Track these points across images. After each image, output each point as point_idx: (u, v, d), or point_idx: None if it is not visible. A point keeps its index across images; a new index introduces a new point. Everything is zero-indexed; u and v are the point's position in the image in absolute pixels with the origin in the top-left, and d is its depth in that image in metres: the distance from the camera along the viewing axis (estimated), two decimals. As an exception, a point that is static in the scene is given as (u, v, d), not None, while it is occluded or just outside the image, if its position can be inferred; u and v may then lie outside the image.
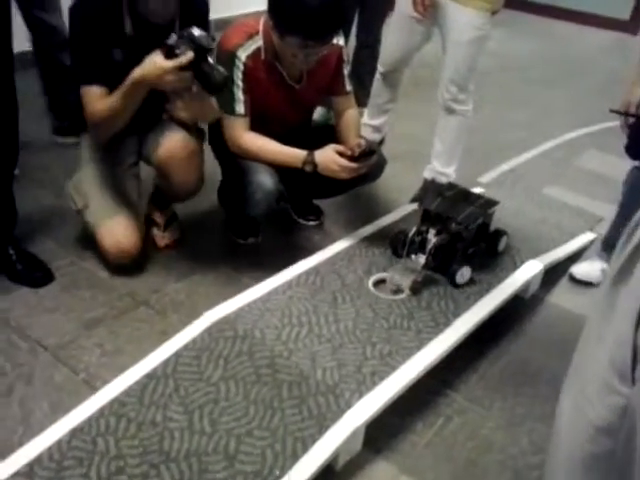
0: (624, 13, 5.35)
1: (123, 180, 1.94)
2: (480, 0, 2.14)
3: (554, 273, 2.08)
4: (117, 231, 1.85)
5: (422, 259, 1.79)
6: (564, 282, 2.11)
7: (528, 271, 1.93)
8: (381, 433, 1.46)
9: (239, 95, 1.79)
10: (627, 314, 0.69)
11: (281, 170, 1.88)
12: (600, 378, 0.73)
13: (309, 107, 2.10)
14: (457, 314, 1.69)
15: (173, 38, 1.58)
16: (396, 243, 1.91)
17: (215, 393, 1.40)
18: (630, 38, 5.14)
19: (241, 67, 1.78)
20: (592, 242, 2.27)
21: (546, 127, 3.35)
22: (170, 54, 1.57)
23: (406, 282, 1.76)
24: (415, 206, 2.13)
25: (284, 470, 1.24)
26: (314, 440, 1.30)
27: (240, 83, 1.79)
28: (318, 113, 2.41)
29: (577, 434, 0.77)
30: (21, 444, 1.30)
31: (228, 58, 1.78)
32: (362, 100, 2.80)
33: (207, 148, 2.02)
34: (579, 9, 5.50)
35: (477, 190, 2.48)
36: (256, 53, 1.80)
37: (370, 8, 2.92)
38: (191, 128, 1.91)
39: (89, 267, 1.93)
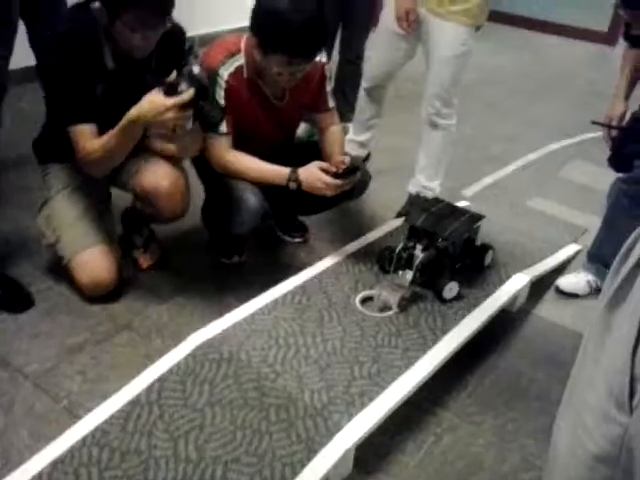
0: (602, 25, 5.44)
1: (95, 208, 1.88)
2: (464, 16, 2.16)
3: (540, 286, 2.08)
4: (92, 264, 1.79)
5: (409, 275, 1.78)
6: (550, 295, 2.11)
7: (515, 284, 1.93)
8: (371, 454, 1.44)
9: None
10: (623, 339, 0.68)
11: (265, 187, 1.87)
12: (597, 407, 0.71)
13: (292, 124, 2.09)
14: (445, 330, 1.68)
15: (173, 75, 1.58)
16: (383, 259, 1.90)
17: (200, 419, 1.37)
18: (609, 50, 5.22)
19: (223, 85, 1.77)
20: (577, 254, 2.28)
21: (529, 139, 3.38)
22: (171, 91, 1.56)
23: (394, 299, 1.74)
24: (400, 221, 2.12)
25: (273, 497, 1.21)
26: (303, 465, 1.27)
27: (222, 101, 1.77)
28: (301, 129, 2.40)
29: (575, 462, 0.75)
30: (1, 477, 1.26)
31: (210, 76, 1.77)
32: (346, 115, 2.80)
33: (189, 166, 2.00)
34: (559, 22, 5.58)
35: (462, 204, 2.48)
36: (238, 71, 1.79)
37: (353, 24, 2.94)
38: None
39: (69, 291, 1.88)
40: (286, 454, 1.29)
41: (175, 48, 1.77)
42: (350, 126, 2.82)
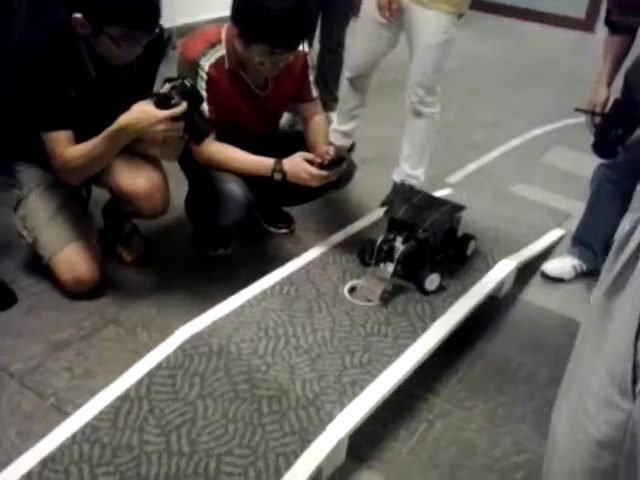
0: (580, 12, 5.48)
1: (70, 204, 1.85)
2: (446, 4, 2.15)
3: (526, 271, 2.10)
4: (72, 261, 1.76)
5: (390, 268, 1.76)
6: (536, 280, 2.13)
7: (501, 271, 1.94)
8: (364, 442, 1.44)
9: (203, 105, 1.75)
10: (625, 325, 0.68)
11: (249, 178, 1.85)
12: (600, 393, 0.71)
13: (275, 115, 2.08)
14: (434, 318, 1.68)
15: (166, 87, 1.56)
16: (364, 252, 1.87)
17: (192, 412, 1.36)
18: (588, 36, 5.26)
19: (204, 77, 1.75)
20: (561, 239, 2.30)
21: (511, 125, 3.39)
22: (163, 103, 1.53)
23: (376, 291, 1.73)
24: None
25: (267, 489, 1.21)
26: (297, 455, 1.27)
27: (204, 93, 1.75)
28: (283, 119, 2.38)
29: (577, 449, 0.75)
30: (-11, 477, 1.24)
31: (191, 68, 1.75)
32: (329, 105, 2.79)
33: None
34: (539, 9, 5.61)
35: (446, 191, 2.49)
36: (219, 62, 1.77)
37: (332, 13, 2.91)
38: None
39: (52, 287, 1.85)
40: (279, 445, 1.29)
41: (155, 45, 1.74)
42: (333, 116, 2.81)
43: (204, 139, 1.68)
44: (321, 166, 1.75)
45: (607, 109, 1.79)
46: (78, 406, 1.39)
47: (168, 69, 1.94)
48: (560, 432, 0.81)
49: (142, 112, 1.53)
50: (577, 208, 2.22)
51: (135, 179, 1.74)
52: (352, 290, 1.79)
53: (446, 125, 2.75)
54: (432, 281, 1.78)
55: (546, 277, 2.12)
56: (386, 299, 1.74)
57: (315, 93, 2.01)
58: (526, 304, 2.01)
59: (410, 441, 1.48)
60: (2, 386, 1.52)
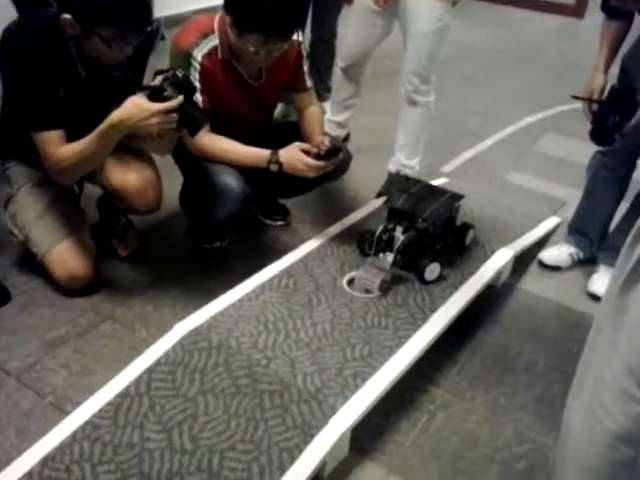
0: (569, -2, 5.49)
1: (61, 200, 1.82)
2: (439, -9, 2.12)
3: (523, 260, 2.09)
4: (65, 258, 1.74)
5: (390, 257, 1.76)
6: (534, 268, 2.13)
7: (499, 260, 1.94)
8: (366, 435, 1.44)
9: (197, 96, 1.72)
10: None
11: (245, 170, 1.83)
12: (616, 385, 0.71)
13: (269, 105, 2.05)
14: (434, 308, 1.68)
15: (158, 80, 1.52)
16: (363, 242, 1.86)
17: (193, 408, 1.34)
18: (578, 22, 5.26)
19: (198, 67, 1.72)
20: (557, 226, 2.30)
21: (505, 113, 3.39)
22: (156, 96, 1.50)
23: (375, 282, 1.72)
24: (382, 201, 2.10)
25: (271, 484, 1.20)
26: (300, 450, 1.26)
27: (197, 84, 1.72)
28: (277, 110, 2.36)
29: (593, 442, 0.75)
30: (-12, 478, 1.22)
31: (184, 59, 1.72)
32: (322, 95, 2.76)
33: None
34: (528, -5, 5.62)
35: (441, 181, 2.48)
36: (212, 52, 1.74)
37: (324, 1, 2.88)
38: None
39: (46, 284, 1.83)
40: (282, 440, 1.28)
41: (144, 39, 1.70)
42: (327, 106, 2.78)
43: (198, 131, 1.65)
44: (317, 156, 1.73)
45: (604, 96, 1.78)
46: (77, 404, 1.38)
47: (158, 60, 1.92)
48: (575, 422, 0.81)
49: (135, 106, 1.50)
50: (572, 195, 2.22)
51: (127, 176, 1.72)
52: (351, 282, 1.78)
53: (440, 113, 2.73)
54: (432, 271, 1.78)
55: (543, 265, 2.12)
56: (385, 289, 1.73)
57: (310, 83, 1.98)
58: (523, 293, 2.01)
59: (412, 433, 1.47)
60: (0, 384, 1.50)
